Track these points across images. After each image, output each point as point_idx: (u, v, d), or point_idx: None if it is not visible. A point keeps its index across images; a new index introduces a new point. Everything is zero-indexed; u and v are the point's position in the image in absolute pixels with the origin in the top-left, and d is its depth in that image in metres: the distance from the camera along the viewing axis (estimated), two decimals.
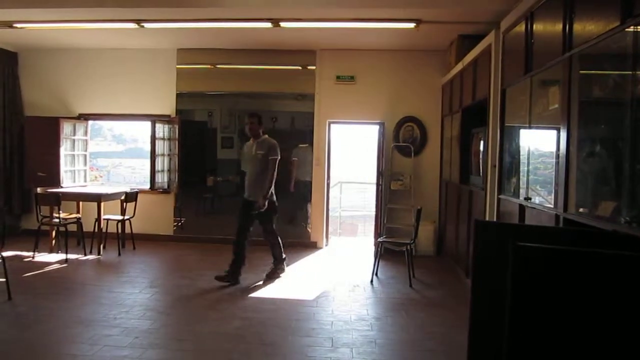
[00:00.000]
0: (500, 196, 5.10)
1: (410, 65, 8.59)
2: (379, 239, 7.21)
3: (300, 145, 8.99)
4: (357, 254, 8.46)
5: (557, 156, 3.61)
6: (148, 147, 9.07)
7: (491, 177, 5.42)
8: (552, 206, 3.71)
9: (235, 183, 9.32)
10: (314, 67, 8.79)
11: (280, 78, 9.05)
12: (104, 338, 4.42)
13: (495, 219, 5.18)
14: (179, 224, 9.19)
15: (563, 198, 3.44)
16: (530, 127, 4.35)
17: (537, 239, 2.84)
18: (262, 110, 9.13)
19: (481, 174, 6.05)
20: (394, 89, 8.63)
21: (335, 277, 6.86)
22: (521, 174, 4.53)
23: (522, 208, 4.40)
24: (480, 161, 6.14)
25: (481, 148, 6.18)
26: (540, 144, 4.23)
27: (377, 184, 8.52)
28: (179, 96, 8.98)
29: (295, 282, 6.56)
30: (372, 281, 6.60)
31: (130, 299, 5.58)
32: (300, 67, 8.98)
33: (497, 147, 5.21)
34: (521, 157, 4.57)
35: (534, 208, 4.10)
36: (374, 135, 8.90)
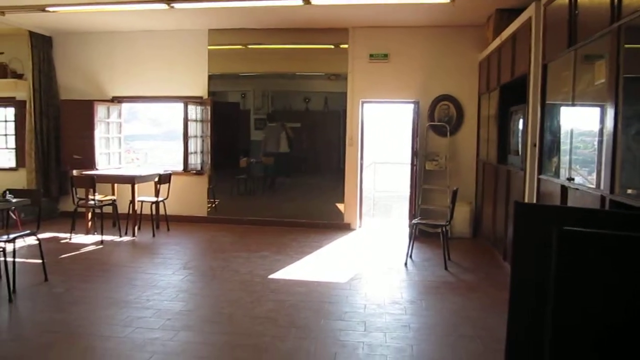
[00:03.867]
0: (540, 176, 4.89)
1: (446, 41, 8.33)
2: (413, 221, 7.06)
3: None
4: (391, 236, 8.34)
5: (603, 134, 3.40)
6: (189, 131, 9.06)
7: (531, 156, 5.20)
8: (597, 187, 3.51)
9: (269, 165, 9.31)
10: (346, 46, 8.61)
11: (313, 57, 8.92)
12: (137, 320, 4.43)
13: (535, 200, 4.98)
14: (213, 205, 9.20)
15: (609, 179, 3.24)
16: (573, 104, 4.12)
17: (582, 222, 2.69)
18: (295, 91, 9.10)
19: (520, 154, 5.83)
20: (429, 67, 8.39)
21: (369, 259, 6.77)
22: (563, 153, 4.32)
23: (564, 189, 4.20)
24: (519, 140, 5.91)
25: (520, 126, 5.95)
26: (584, 121, 4.01)
27: (412, 165, 8.34)
28: (211, 78, 8.94)
29: (328, 264, 6.49)
30: (406, 264, 6.47)
31: (164, 281, 5.59)
32: (332, 46, 8.82)
33: (538, 126, 4.98)
34: (563, 135, 4.35)
35: (577, 189, 3.90)
36: (408, 114, 8.69)
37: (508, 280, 5.44)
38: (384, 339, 4.11)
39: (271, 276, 5.85)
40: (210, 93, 8.92)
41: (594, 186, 3.54)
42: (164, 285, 5.45)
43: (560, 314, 2.10)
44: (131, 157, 15.30)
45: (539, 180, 4.92)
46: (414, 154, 8.30)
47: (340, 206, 8.86)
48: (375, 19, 8.04)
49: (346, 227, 8.70)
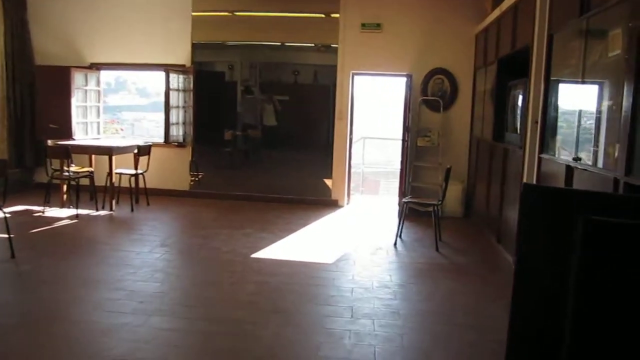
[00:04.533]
0: (542, 156, 4.58)
1: (442, 12, 7.95)
2: (403, 199, 6.74)
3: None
4: (380, 214, 8.06)
5: (620, 110, 3.08)
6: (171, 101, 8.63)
7: (531, 134, 4.89)
8: (610, 168, 3.20)
9: (256, 138, 8.97)
10: (337, 15, 8.20)
11: (303, 27, 8.51)
12: (107, 302, 4.11)
13: (535, 181, 4.68)
14: (197, 179, 8.85)
15: (625, 159, 2.94)
16: (582, 78, 3.79)
17: (599, 208, 2.41)
18: (284, 63, 8.70)
19: (518, 131, 5.52)
20: (423, 39, 8.02)
21: (357, 238, 6.47)
22: (569, 131, 4.01)
23: (569, 170, 3.90)
24: (518, 117, 5.60)
25: (519, 102, 5.64)
26: (594, 96, 3.68)
27: (403, 140, 8.01)
28: (196, 47, 8.49)
29: (315, 243, 6.19)
30: (395, 244, 6.19)
31: (139, 259, 5.26)
32: (323, 15, 8.41)
33: (540, 101, 4.65)
34: (570, 111, 4.03)
35: (586, 170, 3.60)
36: (400, 88, 8.33)
37: (502, 263, 5.20)
38: (372, 327, 3.83)
39: (254, 255, 5.54)
40: (195, 63, 8.48)
41: (610, 168, 3.21)
42: (139, 264, 5.11)
43: (583, 313, 1.82)
44: (115, 128, 14.85)
45: (540, 159, 4.62)
46: (406, 129, 7.97)
47: (328, 182, 8.55)
48: None
49: (334, 204, 8.40)
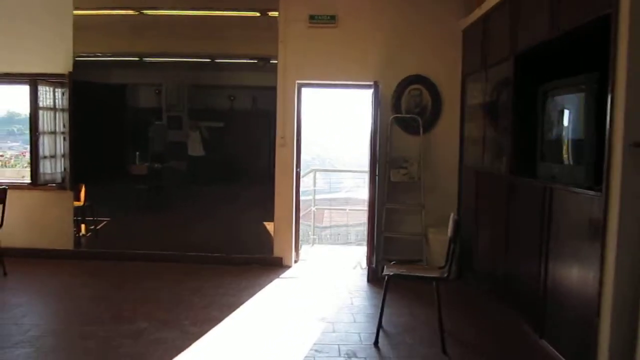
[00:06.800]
0: None
1: (417, 1, 5.91)
2: (388, 269, 4.23)
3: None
4: (341, 277, 5.78)
5: None
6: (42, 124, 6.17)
7: (625, 167, 2.77)
8: None
9: (180, 171, 6.62)
10: (276, 14, 6.03)
11: (233, 34, 6.28)
12: None
13: None
14: (94, 229, 6.40)
15: None
16: None
17: None
18: (218, 86, 6.55)
19: (568, 161, 3.42)
20: (394, 36, 6.02)
21: (314, 332, 4.13)
22: None
23: None
24: (568, 139, 3.50)
25: (567, 116, 3.55)
26: None
27: (371, 174, 5.80)
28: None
29: (248, 347, 3.82)
30: (377, 342, 3.90)
31: None
32: (259, 14, 6.21)
33: None
34: None
35: None
36: (365, 102, 6.18)
37: None
38: None
39: None
40: (75, 67, 6.11)
41: None
42: None
43: None
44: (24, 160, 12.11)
45: None
46: (374, 159, 5.77)
47: (269, 226, 6.27)
48: None
49: (277, 264, 6.10)
